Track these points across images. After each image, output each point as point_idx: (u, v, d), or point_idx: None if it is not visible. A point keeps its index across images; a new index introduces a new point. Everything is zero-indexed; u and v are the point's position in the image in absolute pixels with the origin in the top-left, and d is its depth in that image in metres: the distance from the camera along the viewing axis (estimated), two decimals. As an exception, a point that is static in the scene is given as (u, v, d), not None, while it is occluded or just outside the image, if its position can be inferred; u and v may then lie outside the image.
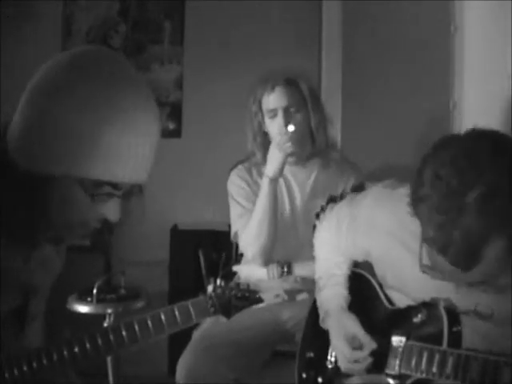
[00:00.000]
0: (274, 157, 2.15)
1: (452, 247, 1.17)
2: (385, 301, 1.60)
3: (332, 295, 1.70)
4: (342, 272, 1.72)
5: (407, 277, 1.49)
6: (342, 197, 1.78)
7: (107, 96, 1.10)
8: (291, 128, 2.16)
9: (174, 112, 3.56)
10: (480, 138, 1.20)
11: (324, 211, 1.80)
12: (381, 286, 1.63)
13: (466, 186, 1.14)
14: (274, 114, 2.21)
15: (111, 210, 1.18)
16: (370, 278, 1.66)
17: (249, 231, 2.19)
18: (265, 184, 2.16)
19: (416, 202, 1.23)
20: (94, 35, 3.52)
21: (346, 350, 1.58)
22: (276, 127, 2.20)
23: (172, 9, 3.55)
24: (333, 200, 1.81)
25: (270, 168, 2.16)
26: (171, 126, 3.57)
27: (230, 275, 1.41)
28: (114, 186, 1.15)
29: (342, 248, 1.69)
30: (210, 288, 1.35)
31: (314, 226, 1.85)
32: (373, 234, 1.56)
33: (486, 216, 1.13)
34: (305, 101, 2.23)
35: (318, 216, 1.83)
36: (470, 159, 1.15)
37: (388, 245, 1.52)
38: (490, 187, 1.13)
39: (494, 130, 1.23)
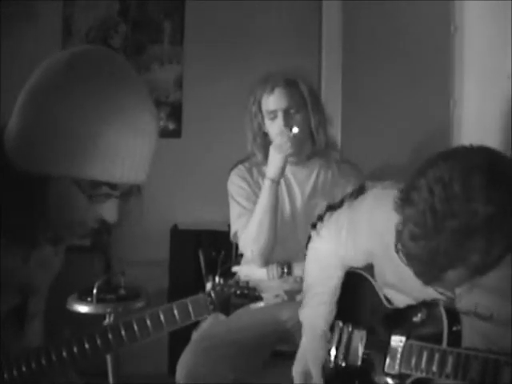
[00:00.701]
0: (274, 158, 2.16)
1: (417, 260, 1.21)
2: (384, 300, 1.60)
3: (312, 317, 1.72)
4: (326, 290, 1.72)
5: (408, 276, 1.49)
6: (340, 204, 1.78)
7: (105, 96, 1.10)
8: (295, 130, 2.16)
9: (174, 112, 3.56)
10: (479, 166, 1.18)
11: (322, 220, 1.80)
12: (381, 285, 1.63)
13: (450, 212, 1.15)
14: (274, 115, 2.21)
15: (109, 210, 1.17)
16: (368, 277, 1.66)
17: (249, 232, 2.19)
18: (266, 185, 2.16)
19: (403, 202, 1.23)
20: (93, 35, 3.52)
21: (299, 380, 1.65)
22: (276, 129, 2.20)
23: (172, 9, 3.55)
24: (331, 208, 1.80)
25: (271, 170, 2.16)
26: (171, 126, 3.57)
27: (229, 273, 1.40)
28: (112, 186, 1.15)
29: (342, 255, 1.69)
30: (208, 285, 1.35)
31: (309, 237, 1.84)
32: (374, 234, 1.56)
33: (457, 247, 1.16)
34: (305, 102, 2.23)
35: (314, 226, 1.83)
36: (464, 187, 1.16)
37: (389, 244, 1.52)
38: (470, 223, 1.15)
39: (497, 156, 1.23)
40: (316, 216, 1.85)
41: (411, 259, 1.23)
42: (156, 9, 3.55)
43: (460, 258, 1.17)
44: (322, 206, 2.18)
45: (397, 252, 1.28)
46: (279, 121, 2.19)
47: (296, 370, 1.72)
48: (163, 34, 3.56)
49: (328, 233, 1.74)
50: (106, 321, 2.60)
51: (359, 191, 1.74)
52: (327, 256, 1.74)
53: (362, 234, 1.60)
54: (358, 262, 1.68)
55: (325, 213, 1.80)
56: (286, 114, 2.19)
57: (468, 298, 1.40)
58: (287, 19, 3.53)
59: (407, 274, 1.47)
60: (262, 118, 2.25)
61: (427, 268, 1.21)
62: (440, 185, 1.17)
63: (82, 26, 3.52)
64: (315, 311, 1.71)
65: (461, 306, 1.41)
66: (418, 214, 1.18)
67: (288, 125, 2.18)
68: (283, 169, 2.16)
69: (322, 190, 2.27)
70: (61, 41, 3.51)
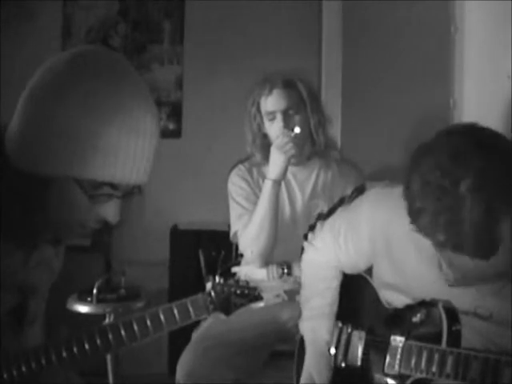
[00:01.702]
0: (277, 159, 2.15)
1: (466, 241, 1.16)
2: (383, 301, 1.60)
3: (314, 330, 1.70)
4: (325, 301, 1.71)
5: (408, 276, 1.49)
6: (330, 212, 1.77)
7: (106, 96, 1.10)
8: (297, 130, 2.16)
9: (174, 112, 3.56)
10: (460, 135, 1.21)
11: (313, 231, 1.79)
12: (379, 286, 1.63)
13: (455, 181, 1.15)
14: (272, 116, 2.20)
15: (110, 211, 1.17)
16: (367, 278, 1.66)
17: (249, 232, 2.18)
18: (267, 186, 2.15)
19: (416, 215, 1.22)
20: (94, 35, 3.52)
21: None
22: (275, 130, 2.19)
23: (172, 9, 3.55)
24: (321, 217, 1.80)
25: (273, 170, 2.16)
26: (171, 126, 3.57)
27: (229, 273, 1.40)
28: (114, 186, 1.15)
29: (342, 261, 1.68)
30: (208, 285, 1.35)
31: (302, 249, 1.82)
32: (375, 234, 1.56)
33: (484, 202, 1.14)
34: (303, 102, 2.22)
35: (305, 237, 1.82)
36: (453, 158, 1.17)
37: (389, 245, 1.52)
38: (478, 174, 1.14)
39: (471, 125, 1.24)
40: (303, 236, 1.85)
41: (460, 246, 1.18)
42: (156, 9, 3.55)
43: (493, 211, 1.14)
44: (322, 206, 2.19)
45: (450, 285, 1.30)
46: (278, 122, 2.19)
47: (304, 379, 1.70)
48: (163, 33, 3.56)
49: (323, 243, 1.73)
50: (106, 321, 2.59)
51: (359, 192, 1.74)
52: (324, 267, 1.72)
53: (363, 235, 1.60)
54: (359, 265, 1.66)
55: (315, 223, 1.79)
56: (285, 115, 2.19)
57: (471, 299, 1.40)
58: (287, 19, 3.53)
59: (409, 274, 1.48)
60: (261, 119, 2.25)
61: (477, 240, 1.16)
62: (432, 171, 1.17)
63: (82, 25, 3.52)
64: (317, 324, 1.70)
65: (460, 307, 1.41)
66: (435, 205, 1.17)
67: (287, 126, 2.17)
68: (285, 170, 2.15)
69: (322, 190, 2.27)
70: (61, 41, 3.51)
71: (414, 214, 1.23)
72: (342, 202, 1.80)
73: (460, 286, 1.34)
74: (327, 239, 1.70)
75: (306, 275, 1.80)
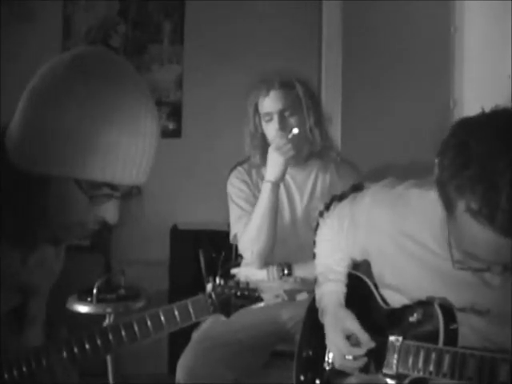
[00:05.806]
0: (275, 161, 2.14)
1: (499, 213, 1.14)
2: (381, 301, 1.60)
3: (332, 291, 1.70)
4: (342, 269, 1.72)
5: (405, 276, 1.50)
6: (343, 196, 1.77)
7: (107, 97, 1.10)
8: (296, 131, 2.15)
9: (174, 112, 3.56)
10: (504, 113, 1.21)
11: (327, 209, 1.80)
12: (376, 286, 1.63)
13: (498, 155, 1.13)
14: (269, 118, 2.20)
15: (110, 211, 1.17)
16: (365, 279, 1.66)
17: (248, 234, 2.18)
18: (266, 188, 2.14)
19: (450, 180, 1.19)
20: (93, 35, 3.52)
21: (344, 344, 1.57)
22: (272, 131, 2.19)
23: (172, 9, 3.55)
24: (335, 199, 1.80)
25: (272, 172, 2.15)
26: (171, 126, 3.57)
27: (229, 274, 1.40)
28: (113, 187, 1.15)
29: (343, 246, 1.70)
30: (209, 287, 1.35)
31: (317, 224, 1.84)
32: (371, 233, 1.56)
33: None
34: (300, 103, 2.21)
35: (321, 214, 1.83)
36: (497, 132, 1.16)
37: (385, 244, 1.53)
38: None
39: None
40: (318, 213, 1.85)
41: (492, 217, 1.15)
42: (156, 9, 3.55)
43: None
44: (320, 207, 2.19)
45: (459, 268, 1.29)
46: (274, 123, 2.18)
47: (334, 337, 1.61)
48: (163, 33, 3.56)
49: (331, 224, 1.75)
50: (106, 321, 2.60)
51: (357, 188, 1.74)
52: (332, 243, 1.74)
53: (360, 231, 1.61)
54: (356, 255, 1.68)
55: (331, 202, 1.80)
56: (281, 117, 2.18)
57: (468, 295, 1.40)
58: (287, 19, 3.53)
59: (407, 274, 1.48)
60: (260, 120, 2.24)
61: (510, 215, 1.14)
62: (477, 143, 1.16)
63: (82, 26, 3.52)
64: (333, 287, 1.70)
65: (457, 303, 1.41)
66: (477, 171, 1.15)
67: (283, 127, 2.17)
68: (284, 171, 2.14)
69: (321, 192, 2.26)
70: (61, 41, 3.50)
71: (450, 180, 1.20)
72: (354, 189, 1.80)
73: (464, 269, 1.31)
74: (335, 222, 1.72)
75: (319, 247, 1.81)
